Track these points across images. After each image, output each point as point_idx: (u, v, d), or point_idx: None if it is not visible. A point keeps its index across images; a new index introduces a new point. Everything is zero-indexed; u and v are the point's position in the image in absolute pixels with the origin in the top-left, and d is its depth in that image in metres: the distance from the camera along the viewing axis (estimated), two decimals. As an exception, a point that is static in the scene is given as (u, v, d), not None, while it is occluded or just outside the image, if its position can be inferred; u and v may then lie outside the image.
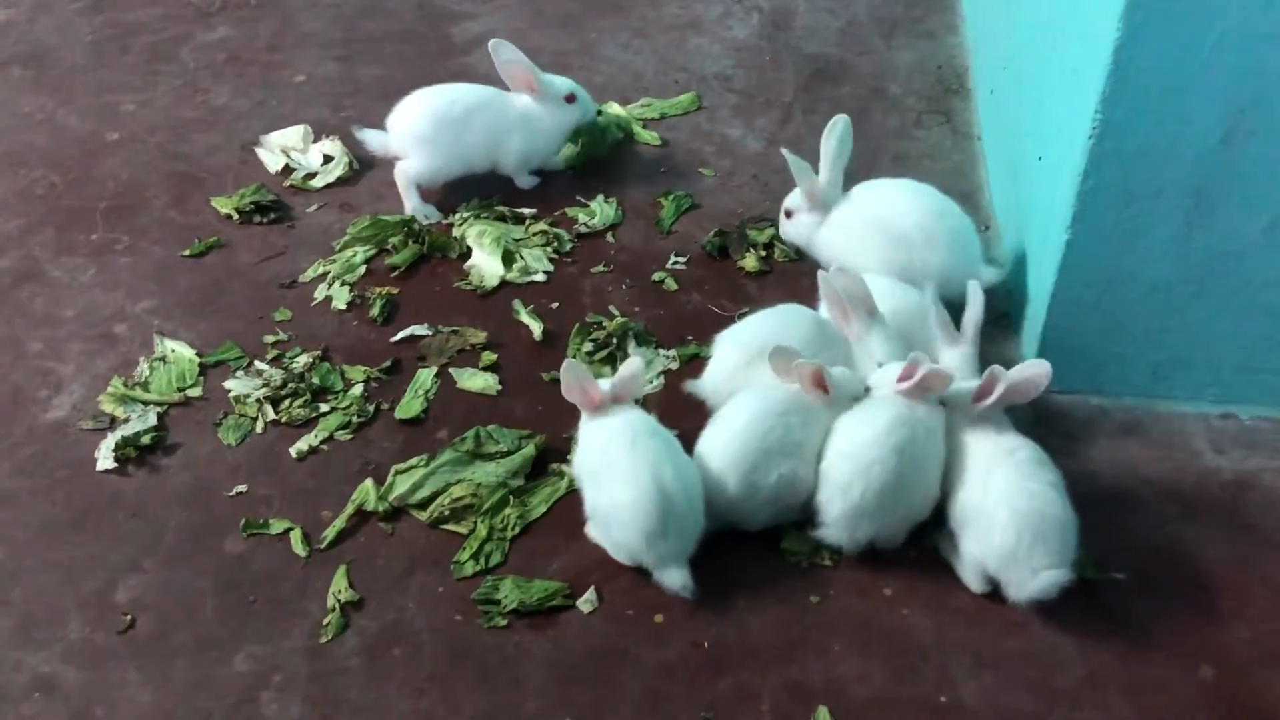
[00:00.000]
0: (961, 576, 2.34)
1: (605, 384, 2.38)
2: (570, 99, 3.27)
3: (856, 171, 3.40)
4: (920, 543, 2.40)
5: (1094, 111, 2.34)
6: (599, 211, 3.26)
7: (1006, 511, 2.21)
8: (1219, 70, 2.26)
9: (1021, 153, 2.97)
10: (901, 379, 2.30)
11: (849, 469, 2.28)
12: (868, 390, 2.42)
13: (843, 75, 3.85)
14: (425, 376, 2.77)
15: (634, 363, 2.42)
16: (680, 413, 2.60)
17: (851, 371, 2.46)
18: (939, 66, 3.89)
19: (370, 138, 3.27)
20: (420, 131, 3.19)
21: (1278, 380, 2.65)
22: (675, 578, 2.27)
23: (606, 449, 2.33)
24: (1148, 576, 2.36)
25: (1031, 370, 2.34)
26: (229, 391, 2.73)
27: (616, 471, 2.29)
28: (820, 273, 2.59)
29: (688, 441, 2.43)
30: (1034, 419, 2.64)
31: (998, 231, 3.19)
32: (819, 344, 2.51)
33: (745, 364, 2.52)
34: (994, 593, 2.30)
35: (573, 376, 2.35)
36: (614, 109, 3.62)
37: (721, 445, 2.36)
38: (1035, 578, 2.20)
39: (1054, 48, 2.72)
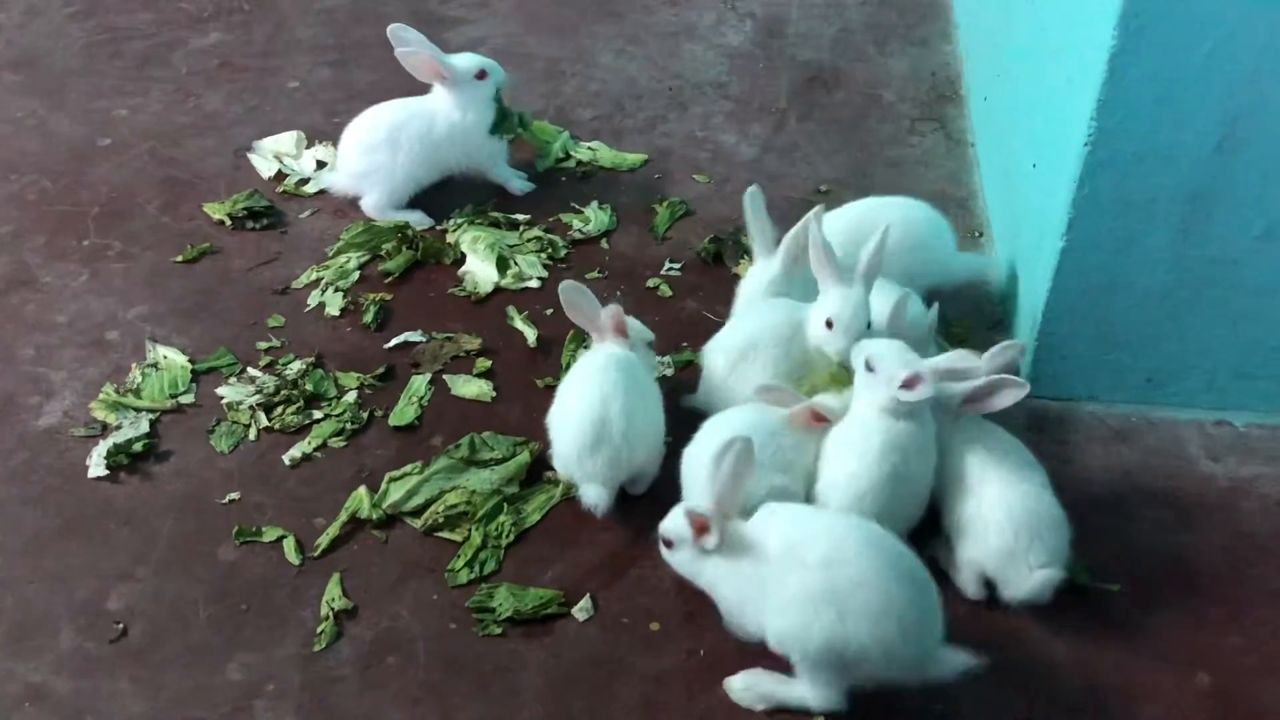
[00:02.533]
0: (958, 583, 2.34)
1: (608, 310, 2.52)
2: (481, 75, 3.18)
3: (851, 179, 3.42)
4: (917, 551, 2.39)
5: (1089, 119, 2.34)
6: (593, 218, 3.26)
7: (1003, 513, 2.24)
8: (1214, 78, 2.26)
9: (1016, 160, 2.98)
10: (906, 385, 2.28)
11: (843, 499, 2.28)
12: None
13: (836, 82, 3.86)
14: (419, 383, 2.76)
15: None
16: (676, 418, 2.60)
17: (839, 395, 2.44)
18: (932, 73, 3.90)
19: (332, 183, 3.27)
20: (356, 169, 3.20)
21: (1272, 387, 2.66)
22: (591, 494, 2.38)
23: (581, 369, 2.49)
24: (1143, 584, 2.36)
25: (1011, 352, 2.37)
26: (222, 398, 2.72)
27: (577, 386, 2.44)
28: (811, 243, 2.50)
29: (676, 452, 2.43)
30: (1029, 425, 2.65)
31: (992, 238, 3.19)
32: (796, 332, 2.53)
33: (734, 367, 2.53)
34: (990, 602, 2.30)
35: (574, 295, 2.50)
36: (548, 129, 3.52)
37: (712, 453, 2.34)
38: (1032, 576, 2.22)
39: (1049, 55, 2.72)
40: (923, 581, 2.07)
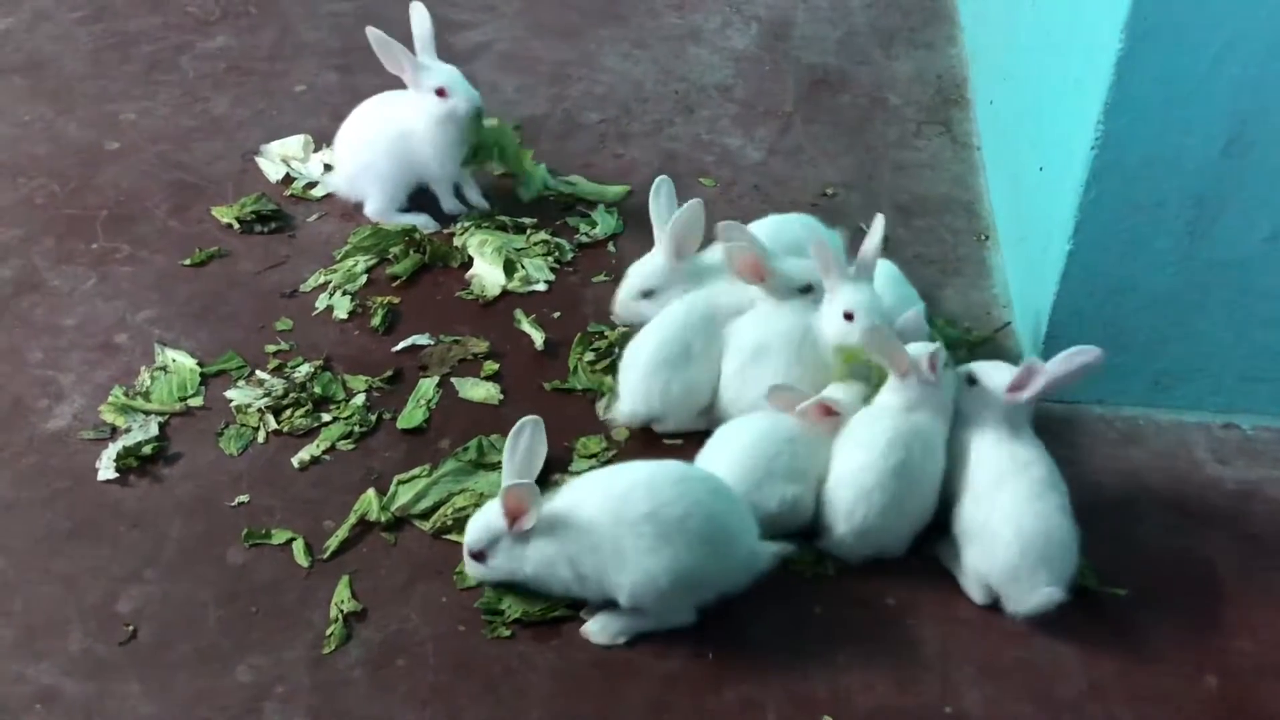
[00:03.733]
0: (963, 586, 2.34)
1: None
2: (441, 93, 3.04)
3: (856, 182, 3.43)
4: (922, 552, 2.40)
5: (1096, 122, 2.35)
6: (600, 221, 3.26)
7: (1012, 531, 2.22)
8: (1221, 81, 2.27)
9: (1022, 163, 2.98)
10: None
11: (850, 496, 2.30)
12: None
13: (842, 85, 3.86)
14: (427, 386, 2.76)
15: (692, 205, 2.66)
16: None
17: (851, 385, 2.46)
18: (938, 76, 3.90)
19: (336, 187, 3.26)
20: (349, 170, 3.20)
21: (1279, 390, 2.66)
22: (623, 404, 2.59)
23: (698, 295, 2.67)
24: (1150, 586, 2.36)
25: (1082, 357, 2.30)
26: (230, 401, 2.72)
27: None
28: (814, 244, 2.51)
29: (690, 455, 2.45)
30: (1036, 429, 2.64)
31: (998, 241, 3.19)
32: (806, 336, 2.54)
33: (744, 370, 2.54)
34: (997, 603, 2.30)
35: (735, 233, 2.56)
36: (527, 161, 3.37)
37: (726, 461, 2.35)
38: (1034, 594, 2.22)
39: (1055, 59, 2.73)
40: (729, 493, 2.24)
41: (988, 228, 3.26)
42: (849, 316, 2.47)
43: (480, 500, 2.47)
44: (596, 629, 2.24)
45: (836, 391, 2.43)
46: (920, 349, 2.34)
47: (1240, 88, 2.27)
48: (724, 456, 2.36)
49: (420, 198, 3.26)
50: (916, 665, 2.23)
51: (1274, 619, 2.32)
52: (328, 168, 3.42)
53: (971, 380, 2.39)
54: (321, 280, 3.06)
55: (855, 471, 2.30)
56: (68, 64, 3.91)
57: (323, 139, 3.52)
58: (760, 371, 2.51)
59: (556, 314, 2.97)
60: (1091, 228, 2.47)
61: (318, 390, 2.74)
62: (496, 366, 2.82)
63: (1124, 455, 2.64)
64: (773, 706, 2.16)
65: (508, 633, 2.26)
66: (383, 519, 2.45)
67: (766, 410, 2.42)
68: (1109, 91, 2.30)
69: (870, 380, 2.43)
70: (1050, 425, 2.67)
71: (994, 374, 2.38)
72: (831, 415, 2.38)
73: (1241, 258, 2.48)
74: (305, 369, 2.79)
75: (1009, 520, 2.23)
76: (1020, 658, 2.25)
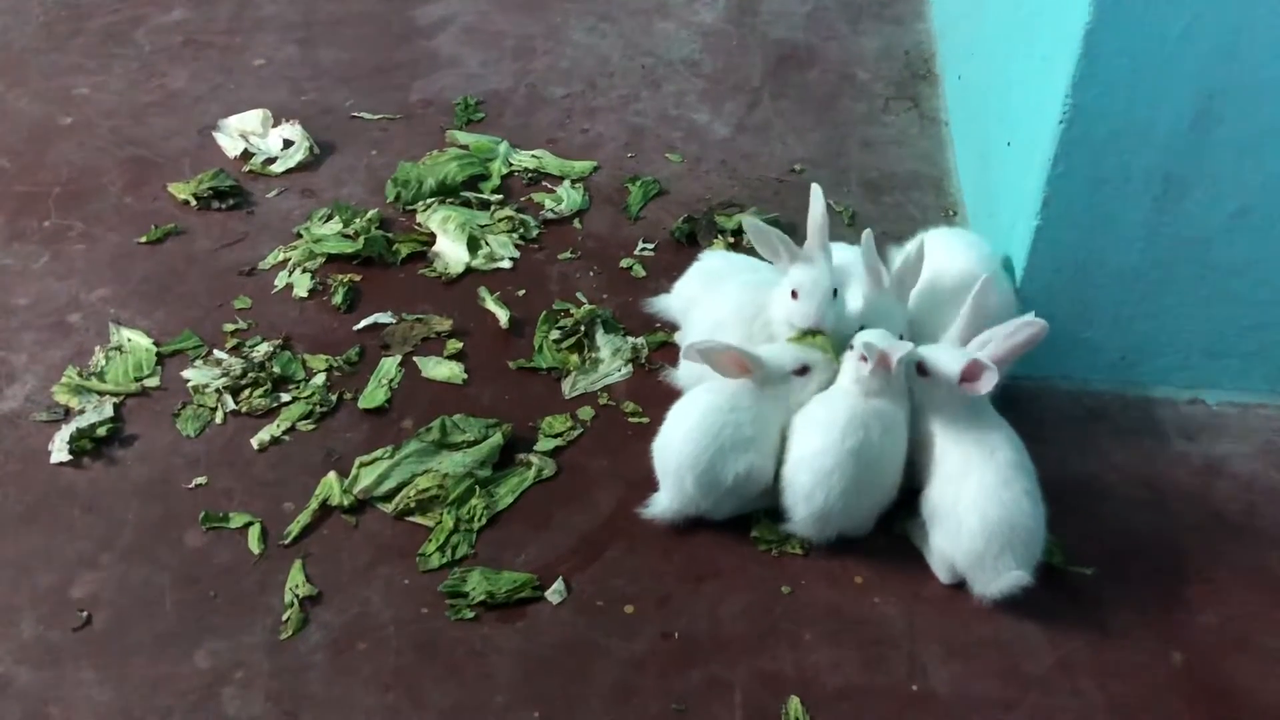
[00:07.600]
0: (930, 565, 2.33)
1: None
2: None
3: (824, 158, 3.40)
4: (890, 530, 2.39)
5: (1064, 96, 2.33)
6: (566, 197, 3.22)
7: (978, 519, 2.20)
8: (1189, 55, 2.25)
9: (990, 138, 2.97)
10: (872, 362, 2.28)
11: (809, 478, 2.27)
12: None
13: (810, 61, 3.83)
14: (389, 365, 2.72)
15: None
16: (650, 400, 2.58)
17: (779, 346, 2.43)
18: (906, 52, 3.88)
19: None
20: None
21: (1244, 365, 2.67)
22: None
23: None
24: (1117, 563, 2.36)
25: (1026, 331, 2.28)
26: (187, 381, 2.67)
27: None
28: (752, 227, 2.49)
29: (651, 433, 2.42)
30: (1002, 405, 2.63)
31: (966, 217, 3.18)
32: (759, 311, 2.50)
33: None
34: (964, 581, 2.29)
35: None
36: (485, 143, 3.32)
37: (677, 443, 2.33)
38: (999, 578, 2.21)
39: (1023, 33, 2.71)
40: None
41: (956, 204, 3.25)
42: (794, 295, 2.44)
43: (444, 481, 2.44)
44: None
45: (762, 349, 2.38)
46: (869, 340, 2.30)
47: (1208, 62, 2.25)
48: (676, 441, 2.33)
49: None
50: (884, 643, 2.22)
51: (1239, 594, 2.33)
52: (287, 143, 3.36)
53: (922, 370, 2.34)
54: (281, 258, 3.00)
55: (814, 455, 2.27)
56: (18, 37, 3.82)
57: (282, 113, 3.45)
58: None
59: (521, 292, 2.94)
60: (1059, 203, 2.46)
61: (277, 370, 2.69)
62: (460, 345, 2.78)
63: (1090, 431, 2.64)
64: (740, 686, 2.14)
65: (471, 615, 2.23)
66: (344, 503, 2.41)
67: (706, 385, 2.39)
68: (1077, 65, 2.28)
69: (823, 350, 2.40)
70: (1016, 401, 2.66)
71: (944, 361, 2.31)
72: (744, 371, 2.34)
73: (1207, 234, 2.48)
74: (264, 348, 2.74)
75: (974, 508, 2.21)
76: (988, 635, 2.24)
